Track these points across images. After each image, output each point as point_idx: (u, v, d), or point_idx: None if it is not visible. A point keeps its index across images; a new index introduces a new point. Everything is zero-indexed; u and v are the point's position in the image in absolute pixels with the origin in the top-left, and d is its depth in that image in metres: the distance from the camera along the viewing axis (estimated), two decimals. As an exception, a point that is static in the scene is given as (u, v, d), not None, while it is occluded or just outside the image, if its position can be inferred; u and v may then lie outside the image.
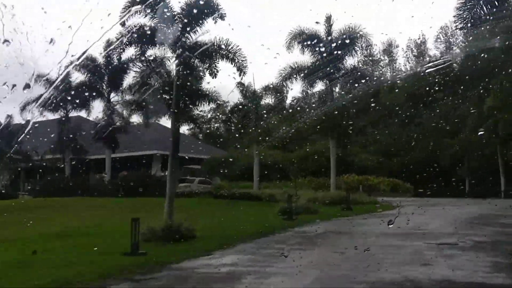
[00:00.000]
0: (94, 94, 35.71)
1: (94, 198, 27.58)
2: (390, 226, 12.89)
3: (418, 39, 65.29)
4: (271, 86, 30.47)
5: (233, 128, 37.35)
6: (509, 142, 36.88)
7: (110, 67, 34.70)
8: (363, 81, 30.43)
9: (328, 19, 29.08)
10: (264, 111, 32.58)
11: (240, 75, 18.70)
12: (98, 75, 35.73)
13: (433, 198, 36.39)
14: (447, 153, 44.67)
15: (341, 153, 34.14)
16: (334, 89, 30.51)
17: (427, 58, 61.39)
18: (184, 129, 72.20)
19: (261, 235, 14.45)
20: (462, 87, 48.88)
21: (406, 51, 68.11)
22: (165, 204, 16.57)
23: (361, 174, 42.00)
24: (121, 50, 18.87)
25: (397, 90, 56.79)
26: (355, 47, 28.18)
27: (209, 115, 68.20)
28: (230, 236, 14.03)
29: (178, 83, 16.59)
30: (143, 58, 17.27)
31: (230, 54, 17.33)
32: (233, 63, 17.68)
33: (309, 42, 28.85)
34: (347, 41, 27.75)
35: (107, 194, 30.99)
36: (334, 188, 29.76)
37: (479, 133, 31.93)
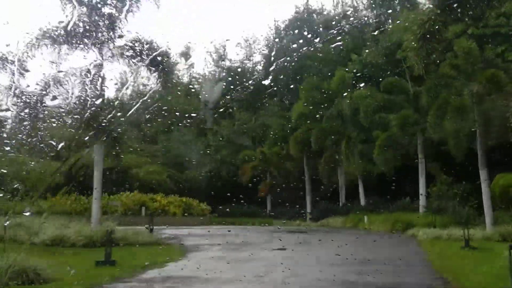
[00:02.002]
0: None
1: None
2: None
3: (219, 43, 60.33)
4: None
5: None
6: (320, 155, 32.21)
7: None
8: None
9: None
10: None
11: None
12: None
13: (236, 225, 29.57)
14: (247, 167, 38.97)
15: (114, 163, 24.55)
16: (100, 73, 20.51)
17: (227, 63, 56.51)
18: None
19: None
20: (265, 95, 44.44)
21: (205, 57, 62.73)
22: None
23: (147, 191, 33.21)
24: None
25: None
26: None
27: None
28: None
29: None
30: None
31: None
32: None
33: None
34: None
35: None
36: (99, 214, 19.72)
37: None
